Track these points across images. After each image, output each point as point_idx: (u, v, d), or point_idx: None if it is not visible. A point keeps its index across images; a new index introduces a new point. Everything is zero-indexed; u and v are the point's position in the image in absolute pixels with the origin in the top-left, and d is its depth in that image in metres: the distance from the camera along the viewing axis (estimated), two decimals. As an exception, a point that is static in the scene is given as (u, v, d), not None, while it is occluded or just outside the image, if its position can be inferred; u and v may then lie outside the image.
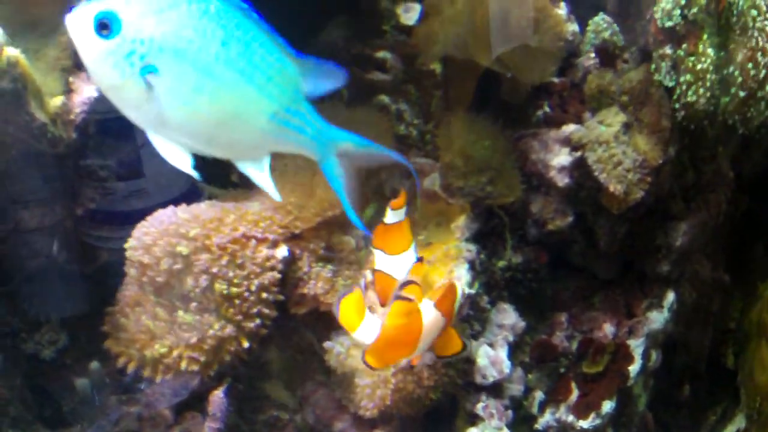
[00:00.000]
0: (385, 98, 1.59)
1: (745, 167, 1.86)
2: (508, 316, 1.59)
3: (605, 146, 1.55)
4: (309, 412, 1.50)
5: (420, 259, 1.31)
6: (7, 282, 1.42)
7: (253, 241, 1.36)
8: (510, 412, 1.55)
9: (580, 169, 1.58)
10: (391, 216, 1.30)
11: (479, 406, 1.53)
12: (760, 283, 1.88)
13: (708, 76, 1.47)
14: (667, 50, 1.51)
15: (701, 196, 1.75)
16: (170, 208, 1.37)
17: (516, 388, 1.59)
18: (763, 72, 1.43)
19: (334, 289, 1.43)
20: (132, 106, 0.92)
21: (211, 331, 1.33)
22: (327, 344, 1.45)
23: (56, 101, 1.28)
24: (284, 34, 1.46)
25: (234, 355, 1.36)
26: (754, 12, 1.43)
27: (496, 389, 1.54)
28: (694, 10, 1.47)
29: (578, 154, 1.57)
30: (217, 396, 1.41)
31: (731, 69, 1.44)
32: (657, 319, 1.71)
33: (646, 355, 1.69)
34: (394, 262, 1.30)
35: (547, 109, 1.63)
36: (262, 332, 1.38)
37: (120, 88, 0.90)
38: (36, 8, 1.28)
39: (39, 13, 1.28)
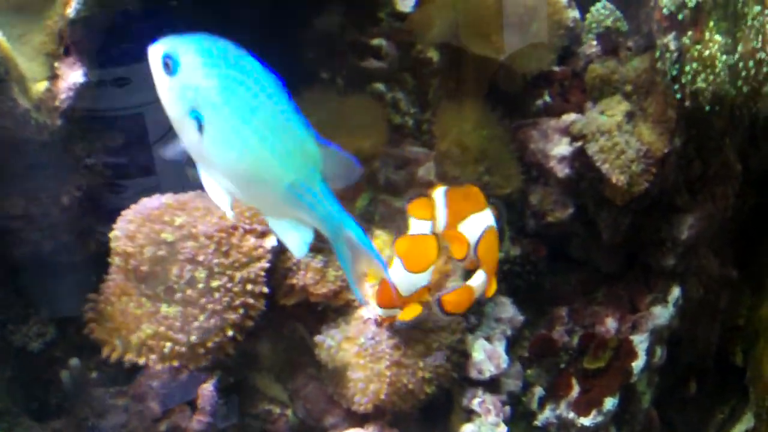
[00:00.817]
0: (380, 86, 1.56)
1: (753, 161, 1.83)
2: (505, 310, 1.57)
3: (607, 136, 1.53)
4: (300, 407, 1.48)
5: None
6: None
7: (241, 231, 1.34)
8: (508, 408, 1.52)
9: (580, 159, 1.56)
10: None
11: (475, 401, 1.50)
12: (770, 279, 1.85)
13: (716, 62, 1.44)
14: (672, 38, 1.49)
15: (708, 189, 1.72)
16: (156, 196, 1.35)
17: (514, 384, 1.57)
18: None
19: (324, 279, 1.40)
20: (186, 140, 1.00)
21: (195, 323, 1.29)
22: (318, 338, 1.43)
23: (40, 87, 1.26)
24: (278, 22, 1.45)
25: (220, 347, 1.33)
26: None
27: (493, 384, 1.52)
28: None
29: (579, 144, 1.55)
30: (207, 389, 1.39)
31: (738, 60, 1.42)
32: (662, 314, 1.70)
33: (650, 352, 1.69)
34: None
35: (547, 98, 1.62)
36: (248, 324, 1.36)
37: (179, 121, 0.99)
38: (22, -8, 1.27)
39: (25, -3, 1.27)
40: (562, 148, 1.57)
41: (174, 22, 1.35)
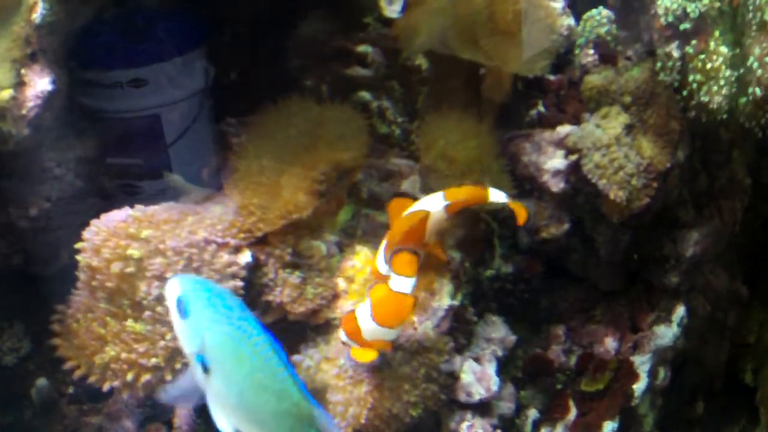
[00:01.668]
0: (366, 95, 1.53)
1: (764, 174, 1.82)
2: (496, 329, 1.51)
3: (604, 150, 1.49)
4: None
5: None
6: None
7: (213, 246, 1.29)
8: None
9: (576, 173, 1.52)
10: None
11: (464, 425, 1.44)
12: (782, 295, 1.83)
13: (721, 75, 1.42)
14: (675, 47, 1.45)
15: (714, 203, 1.70)
16: (125, 208, 1.30)
17: (506, 406, 1.51)
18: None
19: (302, 297, 1.35)
20: (196, 372, 1.08)
21: (162, 342, 1.24)
22: (295, 358, 1.37)
23: (4, 95, 1.21)
24: (264, 26, 1.41)
25: (185, 368, 1.26)
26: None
27: (483, 407, 1.46)
28: (705, 3, 1.41)
29: (575, 157, 1.51)
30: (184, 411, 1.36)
31: (750, 64, 1.38)
32: (665, 334, 1.65)
33: (652, 373, 1.64)
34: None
35: (541, 108, 1.58)
36: None
37: (190, 356, 1.07)
38: (-13, -2, 1.23)
39: (-9, 2, 1.23)
40: (556, 161, 1.53)
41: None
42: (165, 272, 1.25)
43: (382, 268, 1.28)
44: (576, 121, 1.55)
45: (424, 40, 1.45)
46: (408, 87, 1.56)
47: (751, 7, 1.39)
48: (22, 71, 1.24)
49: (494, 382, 1.46)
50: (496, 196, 1.31)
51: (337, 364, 1.36)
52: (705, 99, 1.43)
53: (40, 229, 1.37)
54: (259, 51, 1.48)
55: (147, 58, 1.37)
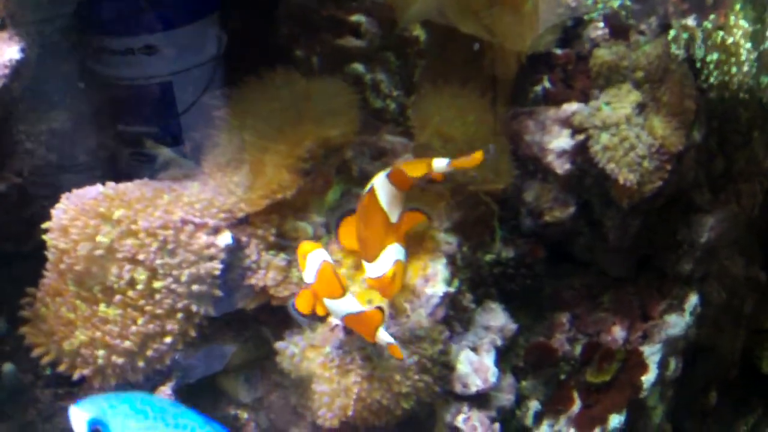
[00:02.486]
0: (359, 67, 1.47)
1: None
2: (496, 317, 1.46)
3: (613, 130, 1.45)
4: (263, 417, 1.40)
5: None
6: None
7: (191, 227, 1.23)
8: (497, 426, 1.42)
9: (583, 154, 1.47)
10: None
11: (460, 418, 1.40)
12: (802, 280, 1.79)
13: (741, 50, 1.41)
14: (691, 22, 1.47)
15: (732, 187, 1.67)
16: (97, 185, 1.24)
17: (505, 398, 1.46)
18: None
19: (287, 280, 1.31)
20: None
21: (133, 328, 1.19)
22: (279, 345, 1.33)
23: (-31, 65, 1.15)
24: None
25: (159, 354, 1.23)
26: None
27: (480, 399, 1.42)
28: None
29: (581, 137, 1.46)
30: (164, 393, 1.29)
31: None
32: (677, 323, 1.62)
33: (663, 364, 1.61)
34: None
35: (547, 84, 1.52)
36: (191, 332, 1.25)
37: None
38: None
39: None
40: (562, 141, 1.47)
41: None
42: (137, 254, 1.20)
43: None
44: (584, 97, 1.50)
45: (419, 8, 1.41)
46: (404, 59, 1.51)
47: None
48: (-12, 40, 1.19)
49: (492, 373, 1.41)
50: (439, 163, 1.25)
51: (323, 352, 1.31)
52: (722, 78, 1.42)
53: (12, 204, 1.32)
54: (247, 20, 1.45)
55: (159, 24, 1.36)
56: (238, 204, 1.28)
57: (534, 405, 1.54)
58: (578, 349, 1.58)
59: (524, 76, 1.52)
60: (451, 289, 1.36)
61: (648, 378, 1.57)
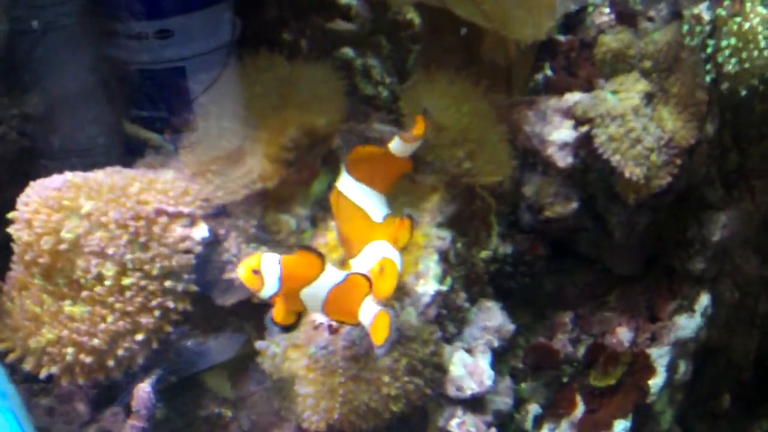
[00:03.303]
0: (349, 51, 1.45)
1: None
2: (492, 316, 1.43)
3: (620, 120, 1.42)
4: (244, 418, 1.37)
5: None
6: None
7: (164, 218, 1.19)
8: (494, 430, 1.40)
9: (587, 146, 1.44)
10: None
11: (454, 422, 1.37)
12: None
13: (759, 38, 1.37)
14: (705, 8, 1.42)
15: (746, 183, 1.63)
16: (65, 173, 1.20)
17: (503, 401, 1.43)
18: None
19: None
20: None
21: (102, 325, 1.15)
22: (259, 344, 1.30)
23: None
24: None
25: (130, 353, 1.19)
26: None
27: (475, 403, 1.39)
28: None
29: (585, 128, 1.43)
30: (143, 390, 1.26)
31: None
32: (687, 325, 1.58)
33: (671, 367, 1.57)
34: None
35: (549, 71, 1.51)
36: (166, 329, 1.21)
37: None
38: None
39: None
40: (563, 132, 1.44)
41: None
42: (106, 247, 1.16)
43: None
44: (588, 86, 1.48)
45: (412, -9, 1.40)
46: (397, 44, 1.50)
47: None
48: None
49: (488, 376, 1.38)
50: (393, 144, 1.21)
51: (306, 352, 1.28)
52: (737, 68, 1.39)
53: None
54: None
55: (173, 9, 1.35)
56: (215, 192, 1.25)
57: (534, 408, 1.51)
58: (581, 351, 1.55)
59: (524, 62, 1.50)
60: (444, 288, 1.33)
61: (656, 382, 1.54)
